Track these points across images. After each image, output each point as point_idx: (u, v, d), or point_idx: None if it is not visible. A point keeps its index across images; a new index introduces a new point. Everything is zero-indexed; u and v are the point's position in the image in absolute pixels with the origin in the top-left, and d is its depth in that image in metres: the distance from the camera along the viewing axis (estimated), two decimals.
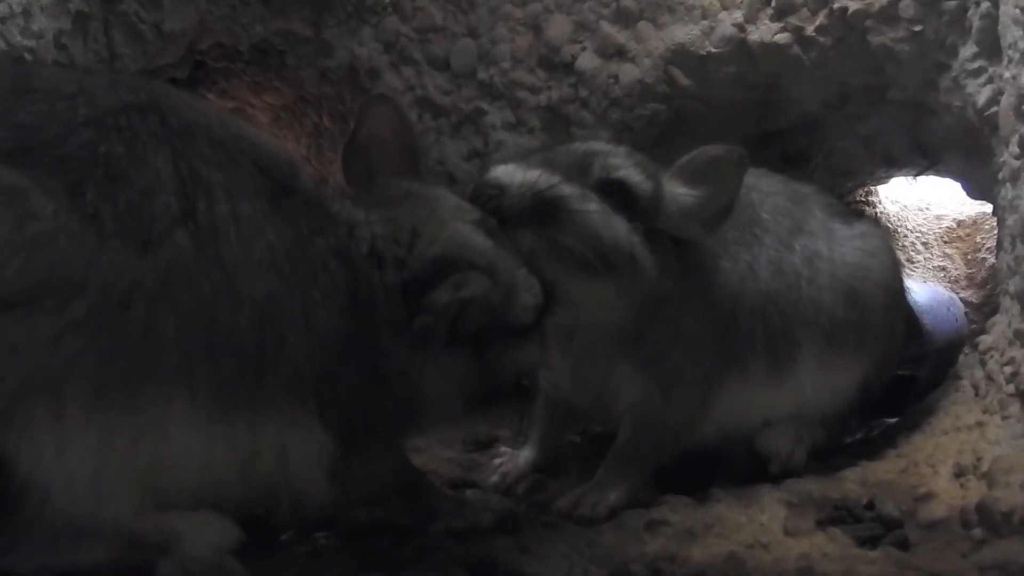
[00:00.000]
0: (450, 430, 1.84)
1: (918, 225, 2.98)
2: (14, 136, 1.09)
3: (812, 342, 1.66)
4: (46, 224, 1.05)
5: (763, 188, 1.74)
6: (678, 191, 1.54)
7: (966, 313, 2.56)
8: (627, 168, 1.52)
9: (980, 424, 1.55)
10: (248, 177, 1.21)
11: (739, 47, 1.93)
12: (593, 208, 1.46)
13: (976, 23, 1.63)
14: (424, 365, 1.31)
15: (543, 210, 1.43)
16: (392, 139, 1.46)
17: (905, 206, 2.98)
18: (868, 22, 1.79)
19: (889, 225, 2.88)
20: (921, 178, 2.73)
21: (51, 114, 1.12)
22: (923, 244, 2.96)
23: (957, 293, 2.76)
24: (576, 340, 1.57)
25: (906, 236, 2.95)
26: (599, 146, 1.60)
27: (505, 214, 1.42)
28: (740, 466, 1.66)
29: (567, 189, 1.45)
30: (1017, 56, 1.49)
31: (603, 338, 1.56)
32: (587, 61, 2.05)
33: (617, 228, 1.47)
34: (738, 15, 1.92)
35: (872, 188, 2.83)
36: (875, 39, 1.80)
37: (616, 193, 1.49)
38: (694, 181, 1.54)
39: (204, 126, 1.21)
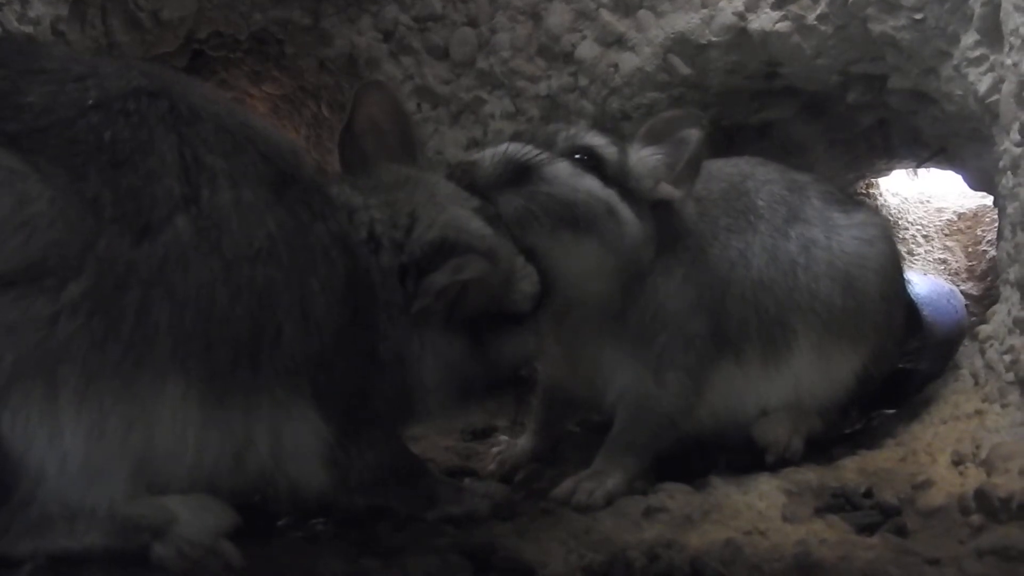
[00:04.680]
0: (448, 419, 1.83)
1: (919, 218, 2.98)
2: (22, 117, 1.09)
3: (809, 330, 1.66)
4: (43, 208, 1.05)
5: (759, 176, 1.74)
6: (642, 153, 1.58)
7: (967, 305, 2.55)
8: (591, 135, 1.58)
9: (979, 412, 1.54)
10: (252, 165, 1.21)
11: (739, 35, 1.92)
12: (565, 165, 1.50)
13: (978, 10, 1.62)
14: (421, 350, 1.32)
15: (517, 173, 1.47)
16: (388, 125, 1.46)
17: (906, 199, 2.98)
18: (869, 10, 1.78)
19: (890, 218, 2.88)
20: (922, 171, 2.73)
21: (61, 96, 1.12)
22: (924, 237, 2.96)
23: (958, 286, 2.75)
24: (566, 321, 1.57)
25: (907, 229, 2.95)
26: (562, 125, 1.64)
27: (481, 183, 1.45)
28: (738, 455, 1.66)
29: (537, 152, 1.49)
30: (1018, 43, 1.48)
31: (592, 316, 1.57)
32: (587, 50, 2.05)
33: (591, 183, 1.51)
34: (738, 3, 1.91)
35: (873, 181, 2.83)
36: (876, 27, 1.79)
37: (585, 158, 1.53)
38: (656, 142, 1.59)
39: (212, 113, 1.21)
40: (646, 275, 1.56)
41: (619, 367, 1.58)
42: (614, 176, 1.54)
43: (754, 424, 1.67)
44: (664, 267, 1.58)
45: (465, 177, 1.45)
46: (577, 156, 1.53)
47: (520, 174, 1.47)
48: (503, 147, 1.50)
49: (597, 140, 1.57)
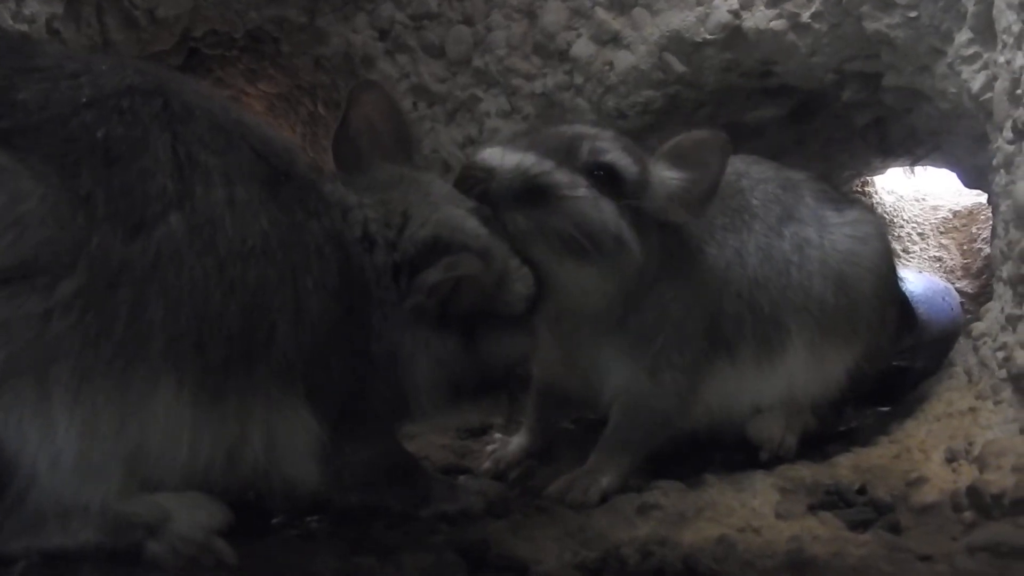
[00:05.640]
0: (441, 418, 1.83)
1: (914, 216, 2.98)
2: (15, 115, 1.09)
3: (802, 329, 1.66)
4: (34, 205, 1.05)
5: (754, 175, 1.74)
6: (664, 174, 1.55)
7: (961, 303, 2.56)
8: (615, 152, 1.53)
9: (972, 410, 1.55)
10: (246, 162, 1.21)
11: (734, 33, 1.92)
12: (583, 193, 1.46)
13: (971, 8, 1.62)
14: (415, 348, 1.32)
15: (533, 194, 1.43)
16: (383, 124, 1.46)
17: (901, 197, 2.99)
18: (863, 8, 1.79)
19: (885, 216, 2.88)
20: (917, 169, 2.73)
21: (54, 93, 1.12)
22: (919, 235, 2.97)
23: (953, 283, 2.76)
24: (563, 323, 1.56)
25: (902, 227, 2.96)
26: (586, 129, 1.60)
27: (494, 197, 1.42)
28: (732, 452, 1.66)
29: (557, 174, 1.46)
30: (1011, 40, 1.49)
31: (589, 321, 1.56)
32: (582, 48, 2.05)
33: (606, 212, 1.47)
34: (733, 1, 1.91)
35: (868, 179, 2.83)
36: (870, 25, 1.79)
37: (604, 176, 1.50)
38: (679, 165, 1.55)
39: (206, 111, 1.21)
40: (647, 285, 1.54)
41: (615, 366, 1.57)
42: (630, 196, 1.50)
43: (748, 422, 1.67)
44: (665, 273, 1.56)
45: (478, 184, 1.42)
46: (596, 172, 1.49)
47: (535, 195, 1.43)
48: (524, 159, 1.45)
49: (620, 159, 1.51)
